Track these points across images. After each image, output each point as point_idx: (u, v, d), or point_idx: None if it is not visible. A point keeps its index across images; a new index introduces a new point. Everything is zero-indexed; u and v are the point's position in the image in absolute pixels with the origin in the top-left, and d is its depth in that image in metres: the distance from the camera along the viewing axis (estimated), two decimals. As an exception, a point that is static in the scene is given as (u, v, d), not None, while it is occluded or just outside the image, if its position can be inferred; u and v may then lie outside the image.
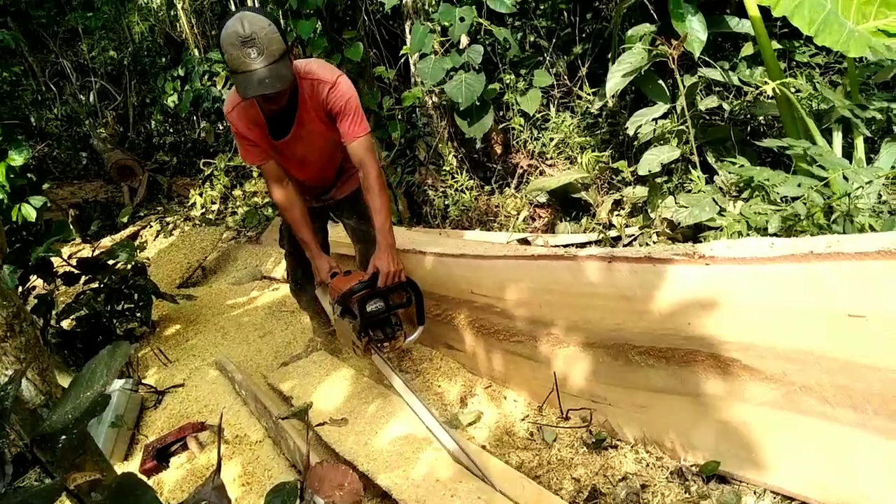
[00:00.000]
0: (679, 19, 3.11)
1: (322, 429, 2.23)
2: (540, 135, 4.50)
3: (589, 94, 4.31)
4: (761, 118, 3.58)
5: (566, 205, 4.16)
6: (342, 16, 5.17)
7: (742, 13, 3.07)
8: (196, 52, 7.81)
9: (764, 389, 1.57)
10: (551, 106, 4.52)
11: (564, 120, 4.36)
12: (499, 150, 4.76)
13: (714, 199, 2.67)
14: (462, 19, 3.76)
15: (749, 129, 3.60)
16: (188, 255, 6.15)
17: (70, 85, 9.53)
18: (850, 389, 1.40)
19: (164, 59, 8.75)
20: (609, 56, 3.97)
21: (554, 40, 4.55)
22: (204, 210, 7.06)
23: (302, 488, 0.93)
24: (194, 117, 8.34)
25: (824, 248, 1.36)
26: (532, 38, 4.62)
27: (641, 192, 3.49)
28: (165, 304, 4.37)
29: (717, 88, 3.67)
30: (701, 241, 2.58)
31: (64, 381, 3.10)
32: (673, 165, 3.27)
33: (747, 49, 3.50)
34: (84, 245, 7.18)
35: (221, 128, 7.87)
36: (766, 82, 2.77)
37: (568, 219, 4.04)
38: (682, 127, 3.10)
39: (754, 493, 1.67)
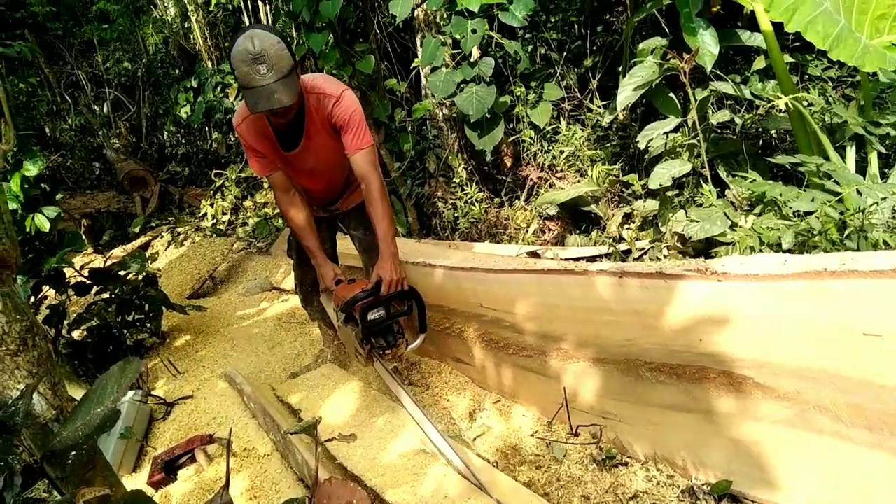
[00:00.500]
0: (691, 33, 3.10)
1: (330, 443, 2.22)
2: (550, 147, 4.50)
3: (599, 108, 4.30)
4: (773, 132, 3.56)
5: (576, 218, 4.15)
6: (354, 29, 5.22)
7: (754, 27, 3.06)
8: (209, 63, 7.91)
9: (777, 408, 1.55)
10: (562, 119, 4.52)
11: (575, 133, 4.35)
12: (509, 162, 4.77)
13: (725, 214, 2.66)
14: (474, 31, 3.78)
15: (761, 142, 3.59)
16: (199, 266, 6.16)
17: (84, 96, 9.66)
18: (865, 409, 1.38)
19: (177, 71, 8.88)
20: (620, 69, 3.98)
21: (565, 53, 4.56)
22: (215, 221, 7.10)
23: (310, 505, 0.93)
24: (206, 128, 8.43)
25: (839, 266, 1.34)
26: (543, 51, 4.64)
27: (652, 205, 3.47)
28: (175, 314, 4.39)
29: (729, 102, 3.65)
30: (712, 256, 2.57)
31: (74, 392, 3.12)
32: (684, 179, 3.25)
33: (759, 63, 3.49)
34: (96, 255, 7.23)
35: (233, 139, 7.93)
36: (778, 96, 2.75)
37: (578, 232, 4.02)
38: (694, 140, 3.09)
39: (767, 513, 1.64)
